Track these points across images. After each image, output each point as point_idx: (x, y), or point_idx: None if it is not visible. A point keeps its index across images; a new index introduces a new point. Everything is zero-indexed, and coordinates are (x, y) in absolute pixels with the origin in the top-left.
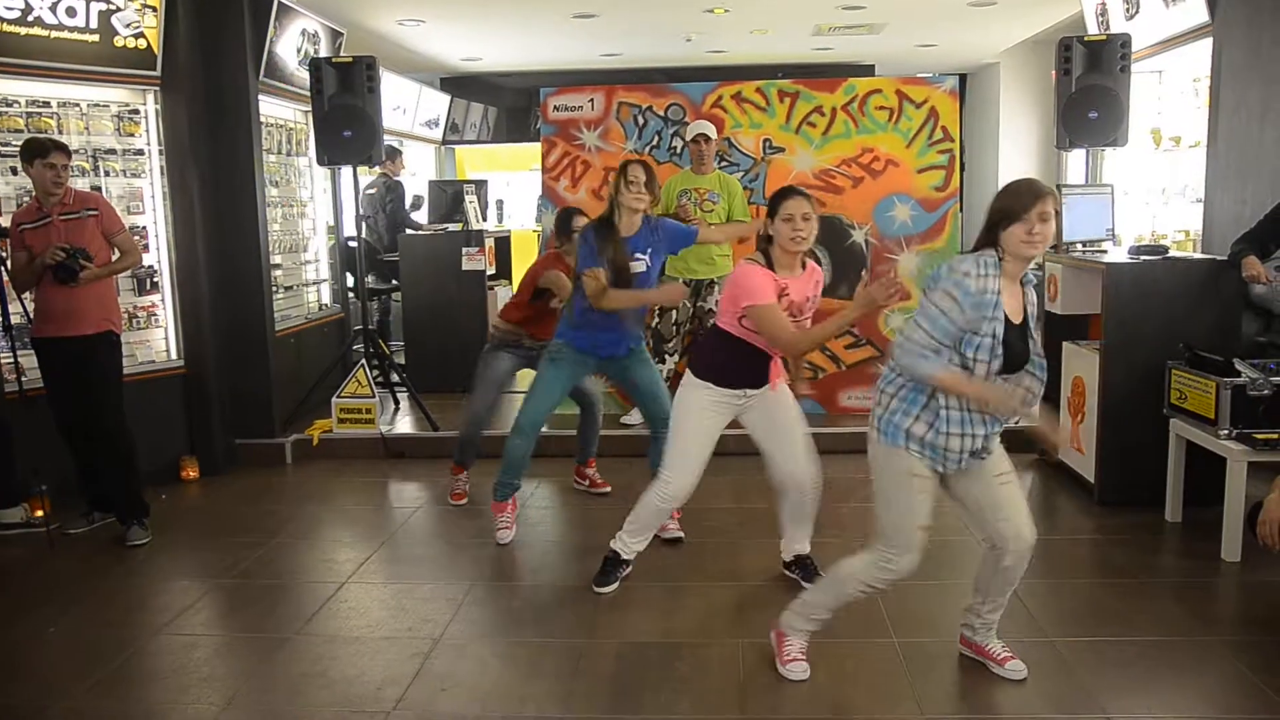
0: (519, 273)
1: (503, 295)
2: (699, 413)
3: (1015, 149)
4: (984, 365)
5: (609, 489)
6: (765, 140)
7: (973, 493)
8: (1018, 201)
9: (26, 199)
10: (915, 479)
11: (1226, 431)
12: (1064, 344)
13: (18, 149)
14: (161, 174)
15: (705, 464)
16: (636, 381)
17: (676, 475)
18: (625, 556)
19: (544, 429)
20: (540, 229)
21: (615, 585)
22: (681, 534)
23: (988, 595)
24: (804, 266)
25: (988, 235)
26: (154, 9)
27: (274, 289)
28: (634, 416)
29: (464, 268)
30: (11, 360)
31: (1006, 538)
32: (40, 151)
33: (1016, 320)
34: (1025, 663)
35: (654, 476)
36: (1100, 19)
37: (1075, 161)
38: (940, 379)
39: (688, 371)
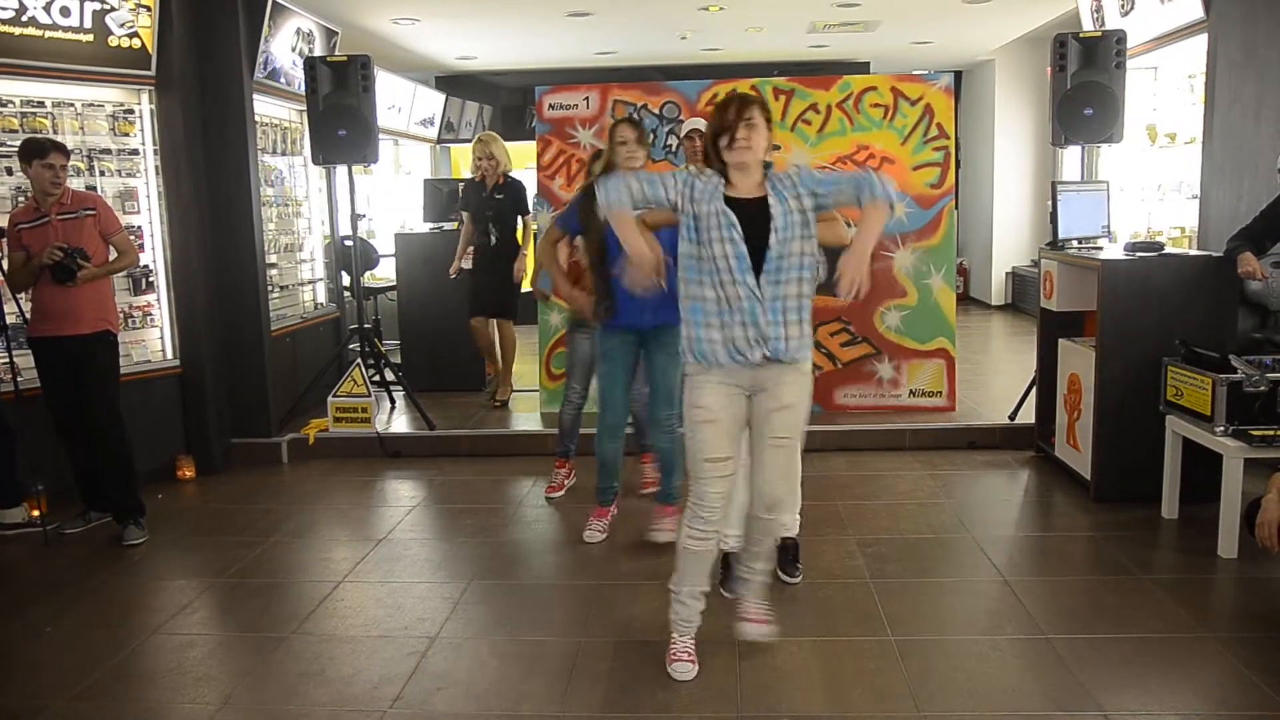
0: None
1: None
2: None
3: (1010, 146)
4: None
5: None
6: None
7: (754, 432)
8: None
9: (22, 199)
10: (696, 409)
11: (1223, 428)
12: (1060, 341)
13: (13, 149)
14: (156, 174)
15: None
16: (649, 364)
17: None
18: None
19: (540, 427)
20: (535, 227)
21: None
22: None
23: (748, 542)
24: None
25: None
26: (148, 8)
27: (269, 288)
28: None
29: (462, 266)
30: (7, 360)
31: (757, 493)
32: (39, 152)
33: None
34: (1021, 660)
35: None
36: (1095, 15)
37: (1071, 158)
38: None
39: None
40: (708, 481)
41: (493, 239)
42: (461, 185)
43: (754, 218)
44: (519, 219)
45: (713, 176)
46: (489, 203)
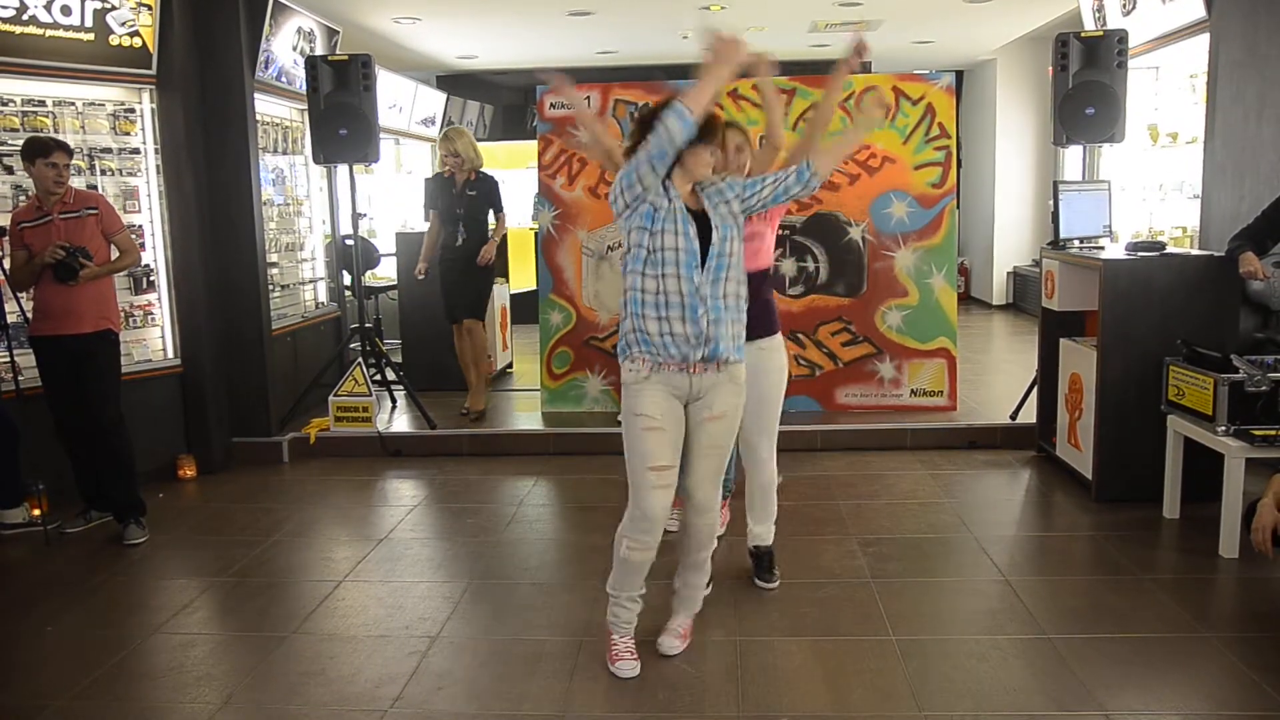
0: (515, 270)
1: (499, 292)
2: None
3: (1012, 145)
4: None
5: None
6: (762, 137)
7: (689, 437)
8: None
9: (23, 198)
10: (638, 417)
11: (1224, 428)
12: (1061, 340)
13: (14, 148)
14: (157, 173)
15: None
16: None
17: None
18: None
19: (542, 426)
20: (537, 226)
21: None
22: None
23: (682, 552)
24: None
25: None
26: (149, 7)
27: (270, 287)
28: None
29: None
30: (8, 360)
31: (688, 497)
32: (42, 151)
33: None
34: (1021, 660)
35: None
36: (1097, 15)
37: (1072, 158)
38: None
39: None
40: (651, 491)
41: (460, 238)
42: (425, 182)
43: (695, 223)
44: (492, 216)
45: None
46: (460, 200)
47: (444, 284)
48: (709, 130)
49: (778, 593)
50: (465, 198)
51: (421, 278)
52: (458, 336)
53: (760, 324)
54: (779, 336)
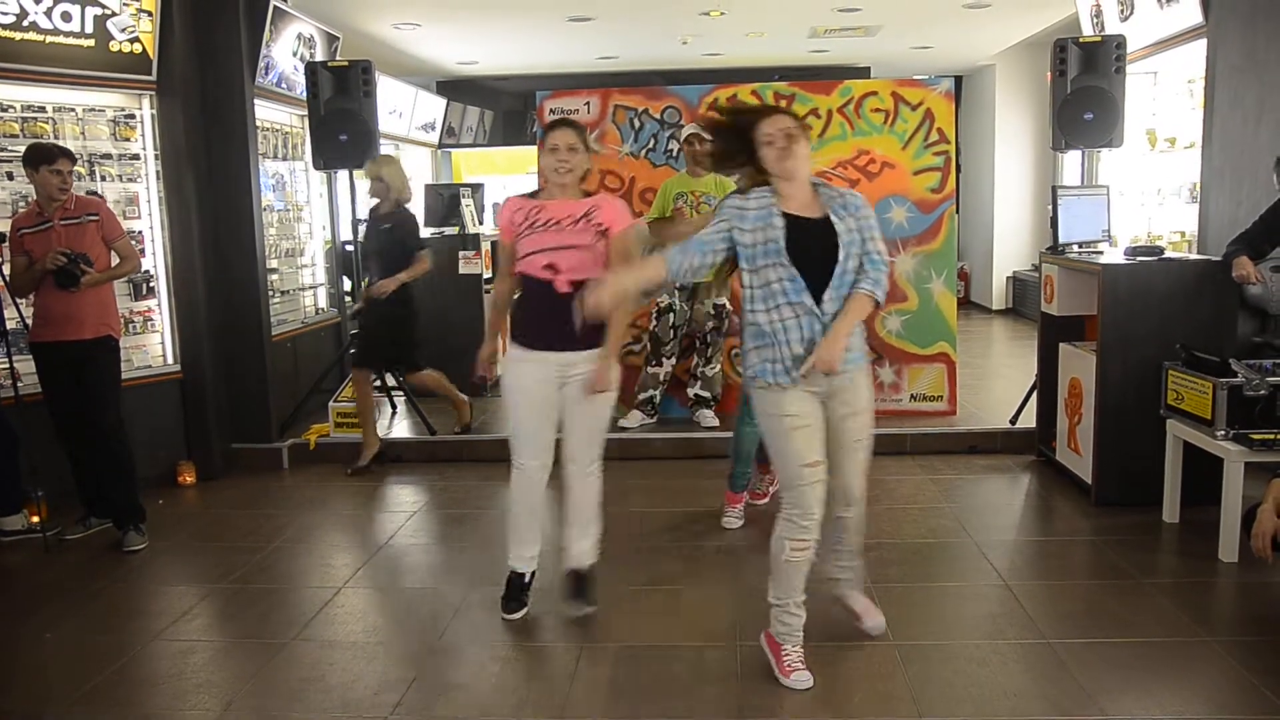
0: None
1: None
2: (519, 387)
3: (1011, 150)
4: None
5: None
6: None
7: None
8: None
9: (23, 204)
10: (785, 418)
11: (1223, 432)
12: (1060, 345)
13: (14, 154)
14: (158, 179)
15: (549, 435)
16: None
17: (515, 455)
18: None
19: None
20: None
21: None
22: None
23: (832, 544)
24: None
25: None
26: (149, 14)
27: (270, 293)
28: (631, 420)
29: (461, 271)
30: (8, 366)
31: (836, 490)
32: (47, 158)
33: (813, 216)
34: (1022, 664)
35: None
36: (1095, 20)
37: (1071, 163)
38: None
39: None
40: (806, 487)
41: (372, 276)
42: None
43: (815, 231)
44: (408, 258)
45: (763, 194)
46: (373, 233)
47: (361, 325)
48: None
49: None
50: (379, 232)
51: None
52: (357, 385)
53: (592, 334)
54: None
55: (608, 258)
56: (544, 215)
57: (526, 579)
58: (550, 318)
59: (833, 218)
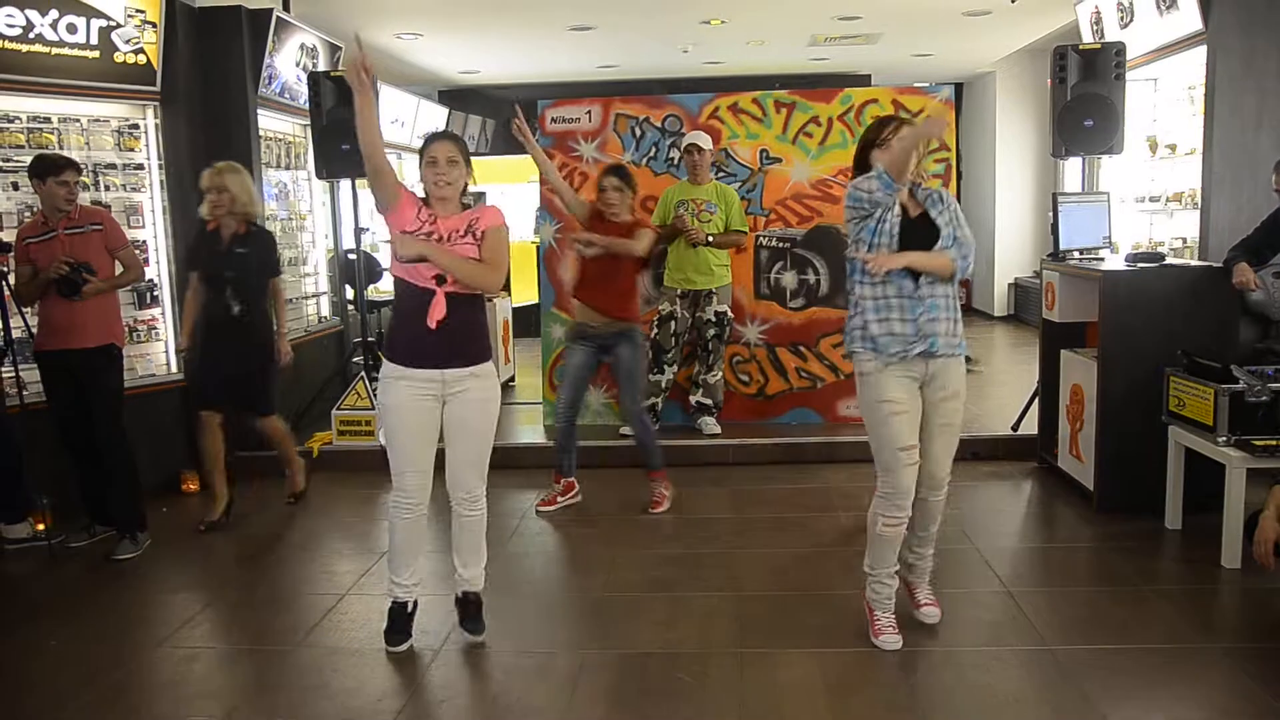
0: (517, 283)
1: (501, 306)
2: (395, 406)
3: (1011, 157)
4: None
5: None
6: (762, 151)
7: (925, 419)
8: (879, 132)
9: (27, 214)
10: (884, 403)
11: (1225, 438)
12: (1062, 352)
13: (19, 164)
14: (161, 188)
15: (428, 459)
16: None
17: (394, 478)
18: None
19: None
20: (538, 240)
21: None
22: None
23: (912, 528)
24: (465, 210)
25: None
26: (154, 25)
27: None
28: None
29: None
30: (13, 375)
31: (923, 473)
32: (54, 169)
33: (913, 213)
34: (1024, 671)
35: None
36: (1095, 27)
37: (1071, 169)
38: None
39: (484, 369)
40: (903, 469)
41: (234, 308)
42: (194, 237)
43: (917, 225)
44: (267, 282)
45: (878, 173)
46: (228, 260)
47: (205, 363)
48: (883, 128)
49: (779, 603)
50: (234, 257)
51: (184, 354)
52: (207, 426)
53: (475, 348)
54: (491, 364)
55: (479, 255)
56: (435, 229)
57: (409, 608)
58: (429, 334)
59: (931, 212)
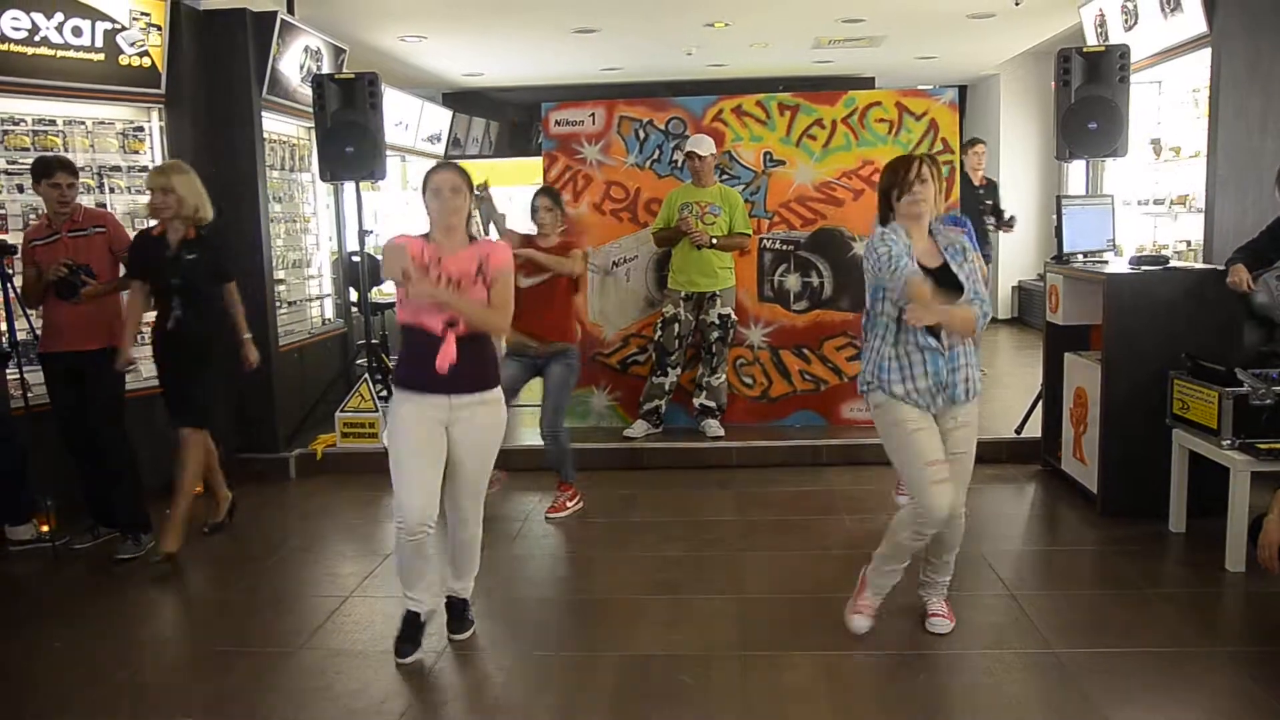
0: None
1: None
2: (403, 429)
3: (1015, 160)
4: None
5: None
6: (766, 153)
7: None
8: (896, 176)
9: (33, 216)
10: (904, 423)
11: (1229, 441)
12: (1065, 355)
13: (26, 167)
14: None
15: (434, 481)
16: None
17: (398, 499)
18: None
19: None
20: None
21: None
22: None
23: (930, 554)
24: (472, 241)
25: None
26: (158, 28)
27: (277, 304)
28: (637, 429)
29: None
30: (18, 377)
31: None
32: (45, 171)
33: (932, 265)
34: (1027, 674)
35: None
36: (1099, 30)
37: (1076, 172)
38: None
39: (484, 395)
40: (932, 487)
41: (174, 320)
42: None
43: (938, 279)
44: (222, 287)
45: (900, 234)
46: (174, 266)
47: (161, 381)
48: (904, 167)
49: (782, 606)
50: (182, 263)
51: (130, 369)
52: (186, 444)
53: (484, 375)
54: (499, 390)
55: (489, 298)
56: (443, 271)
57: (422, 618)
58: (433, 360)
59: (951, 265)
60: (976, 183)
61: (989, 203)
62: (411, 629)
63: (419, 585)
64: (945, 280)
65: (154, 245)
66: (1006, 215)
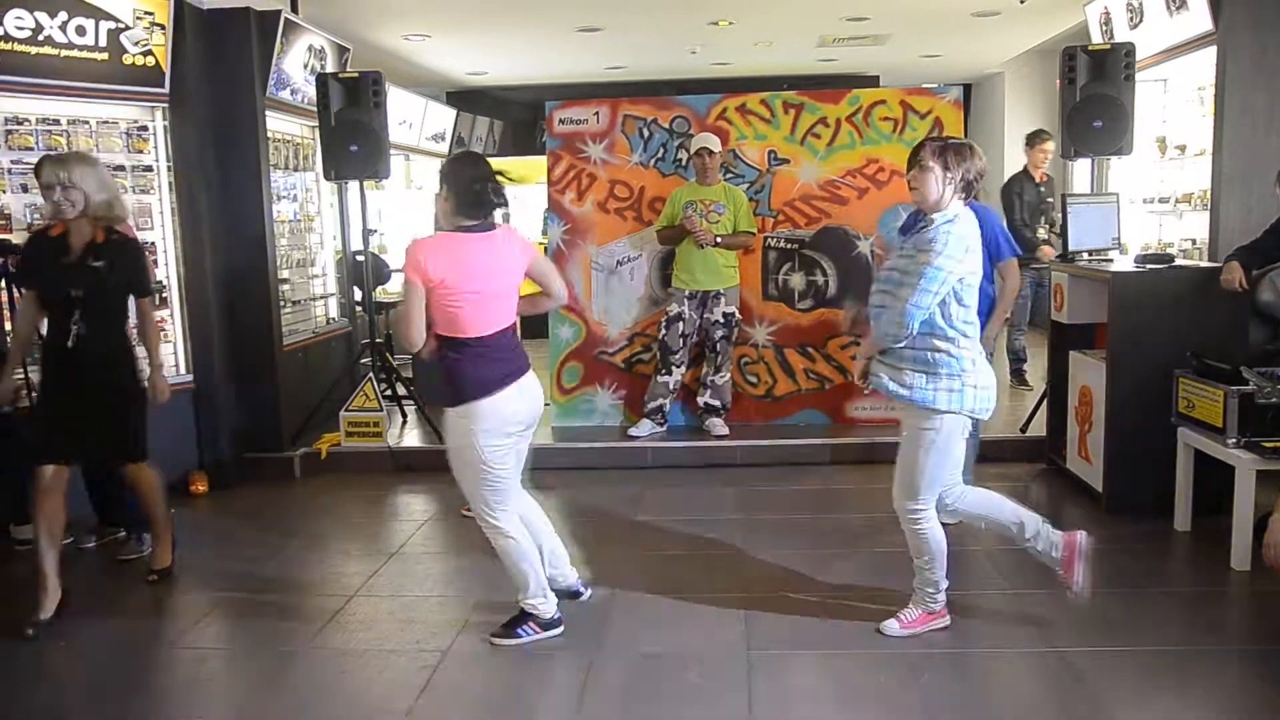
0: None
1: None
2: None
3: (1020, 158)
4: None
5: None
6: (770, 152)
7: None
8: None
9: (37, 215)
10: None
11: (1234, 440)
12: (1071, 353)
13: (30, 166)
14: (170, 190)
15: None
16: None
17: (500, 505)
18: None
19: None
20: (547, 241)
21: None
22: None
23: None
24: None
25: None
26: (162, 27)
27: (282, 303)
28: (641, 428)
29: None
30: (23, 377)
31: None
32: (36, 170)
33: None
34: (1033, 673)
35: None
36: (1104, 28)
37: (1081, 170)
38: None
39: (447, 410)
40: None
41: (74, 337)
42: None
43: None
44: (131, 302)
45: (890, 218)
46: (77, 274)
47: (49, 404)
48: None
49: (789, 606)
50: (85, 270)
51: (9, 410)
52: (42, 490)
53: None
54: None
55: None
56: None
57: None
58: (515, 352)
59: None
60: (1038, 180)
61: (1050, 200)
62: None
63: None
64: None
65: (51, 249)
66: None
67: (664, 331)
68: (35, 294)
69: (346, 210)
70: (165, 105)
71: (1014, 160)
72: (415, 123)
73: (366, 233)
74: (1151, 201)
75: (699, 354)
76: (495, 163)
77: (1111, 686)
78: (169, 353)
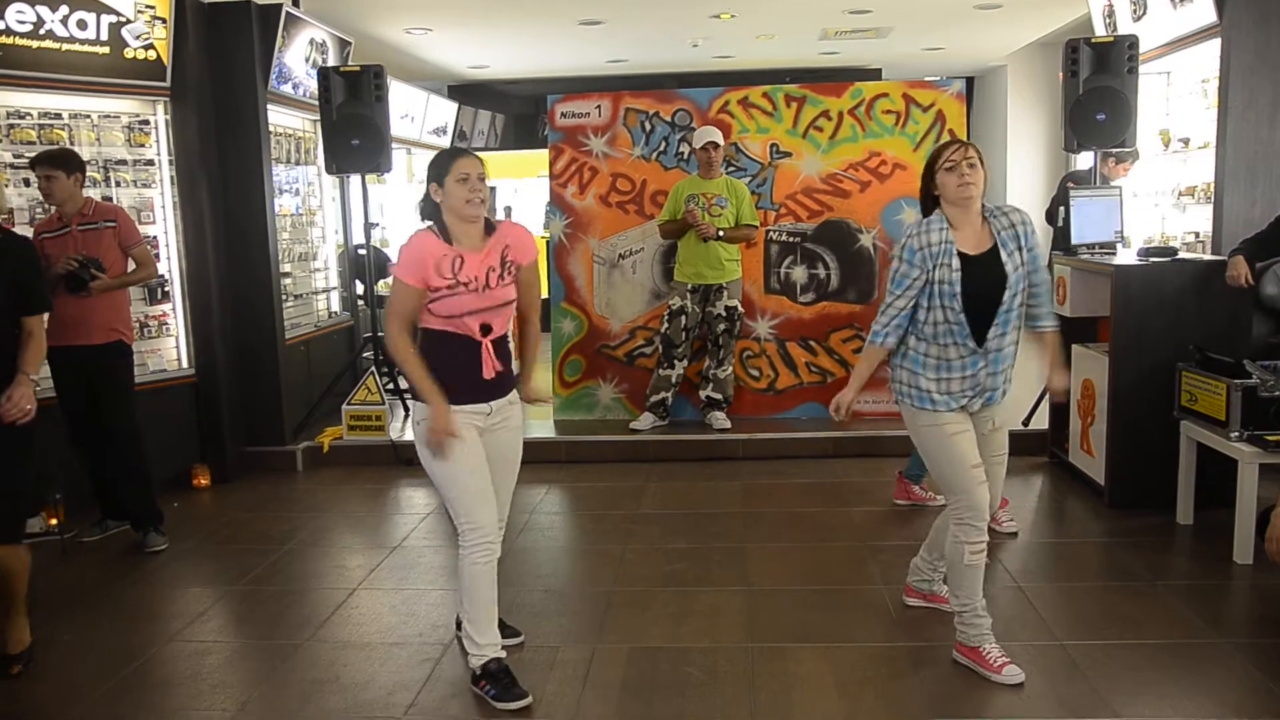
0: None
1: None
2: (456, 441)
3: (1023, 151)
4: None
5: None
6: (772, 145)
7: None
8: (940, 157)
9: (40, 209)
10: (945, 425)
11: (1237, 433)
12: (1073, 346)
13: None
14: (172, 184)
15: (491, 491)
16: None
17: (466, 517)
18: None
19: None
20: (549, 235)
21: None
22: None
23: (938, 549)
24: (490, 234)
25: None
26: (163, 21)
27: (284, 297)
28: (643, 422)
29: None
30: None
31: None
32: (32, 165)
33: (976, 252)
34: (1035, 666)
35: None
36: (1107, 20)
37: (1084, 163)
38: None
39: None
40: (978, 487)
41: None
42: None
43: (983, 268)
44: (20, 317)
45: (941, 225)
46: None
47: None
48: (952, 148)
49: (789, 598)
50: None
51: None
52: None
53: (512, 376)
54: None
55: (518, 293)
56: (466, 274)
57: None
58: (479, 367)
59: (1002, 254)
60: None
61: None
62: (506, 674)
63: (493, 625)
64: (989, 271)
65: None
66: None
67: (666, 325)
68: None
69: (348, 204)
70: (167, 99)
71: (1016, 154)
72: (417, 116)
73: (368, 226)
74: (1154, 195)
75: (701, 347)
76: (496, 156)
77: (1113, 679)
78: (170, 347)
